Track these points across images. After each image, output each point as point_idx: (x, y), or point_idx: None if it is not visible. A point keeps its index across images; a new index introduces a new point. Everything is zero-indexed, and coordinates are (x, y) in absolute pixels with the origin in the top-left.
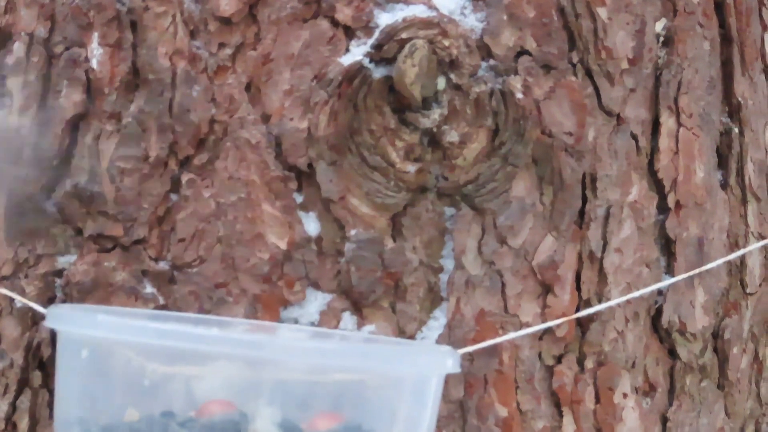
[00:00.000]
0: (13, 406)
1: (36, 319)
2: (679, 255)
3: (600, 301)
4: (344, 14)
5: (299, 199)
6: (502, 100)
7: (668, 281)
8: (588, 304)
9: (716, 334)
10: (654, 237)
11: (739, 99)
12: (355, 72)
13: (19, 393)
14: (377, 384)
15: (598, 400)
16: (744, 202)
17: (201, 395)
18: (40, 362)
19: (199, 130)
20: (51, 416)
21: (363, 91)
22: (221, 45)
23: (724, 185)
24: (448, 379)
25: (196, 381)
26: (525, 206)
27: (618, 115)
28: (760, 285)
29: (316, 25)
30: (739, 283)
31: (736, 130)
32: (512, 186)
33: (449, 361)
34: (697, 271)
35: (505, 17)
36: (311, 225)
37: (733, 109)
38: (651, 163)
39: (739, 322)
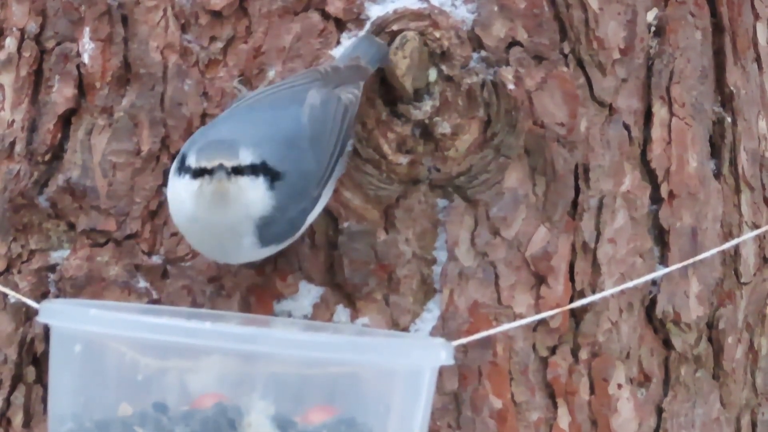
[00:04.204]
0: (8, 402)
1: (29, 314)
2: (673, 245)
3: (594, 292)
4: (335, 7)
5: None
6: (493, 91)
7: (662, 271)
8: (582, 294)
9: (711, 324)
10: (647, 227)
11: (732, 88)
12: None
13: (13, 389)
14: (371, 377)
15: (592, 391)
16: (737, 191)
17: (195, 389)
18: (34, 358)
19: (191, 124)
20: (45, 411)
21: None
22: (212, 38)
23: (718, 175)
24: (442, 371)
25: (189, 375)
26: (518, 197)
27: (610, 105)
28: (755, 274)
29: (307, 18)
30: (733, 272)
31: (729, 119)
32: (505, 177)
33: (443, 353)
34: (691, 261)
35: (495, 8)
36: None
37: (725, 98)
38: (644, 153)
39: (734, 312)
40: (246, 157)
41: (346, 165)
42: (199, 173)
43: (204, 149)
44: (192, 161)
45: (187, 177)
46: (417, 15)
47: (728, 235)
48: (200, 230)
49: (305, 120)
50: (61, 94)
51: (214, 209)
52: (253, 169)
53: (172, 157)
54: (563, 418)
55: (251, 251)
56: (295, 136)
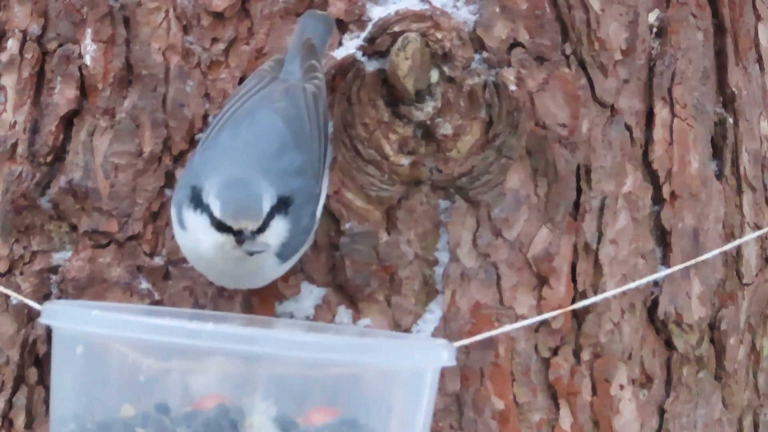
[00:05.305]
0: (10, 403)
1: (32, 315)
2: (675, 246)
3: (596, 293)
4: (337, 8)
5: None
6: (495, 92)
7: (664, 272)
8: (584, 295)
9: (713, 325)
10: (649, 228)
11: (733, 89)
12: (349, 65)
13: (15, 390)
14: (373, 378)
15: (594, 392)
16: (739, 192)
17: (197, 390)
18: (36, 359)
19: (193, 126)
20: (47, 413)
21: (356, 85)
22: (214, 40)
23: (719, 176)
24: (444, 372)
25: (191, 376)
26: (519, 198)
27: (612, 107)
28: (757, 275)
29: None
30: (735, 273)
31: (731, 120)
32: (506, 178)
33: (445, 354)
34: (692, 261)
35: (497, 9)
36: None
37: (727, 99)
38: (645, 154)
39: (736, 313)
40: (266, 206)
41: (333, 152)
42: (223, 228)
43: (228, 206)
44: (216, 212)
45: (208, 223)
46: (419, 16)
47: (730, 236)
48: (219, 272)
49: (281, 124)
50: (63, 95)
51: (240, 263)
52: (272, 213)
53: (174, 159)
54: (565, 419)
55: (273, 273)
56: (282, 145)
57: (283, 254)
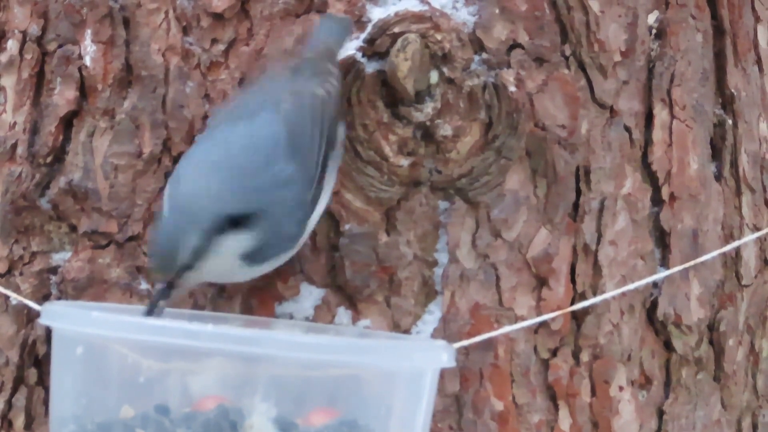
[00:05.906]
0: (9, 404)
1: (31, 316)
2: (674, 247)
3: (595, 294)
4: (336, 9)
5: None
6: (495, 93)
7: (663, 273)
8: (583, 297)
9: (712, 327)
10: (648, 229)
11: (732, 90)
12: (348, 66)
13: (14, 391)
14: (372, 379)
15: (594, 393)
16: (738, 193)
17: (196, 391)
18: (35, 360)
19: (193, 126)
20: (47, 413)
21: (356, 86)
22: (214, 41)
23: (718, 177)
24: (444, 373)
25: (191, 377)
26: (519, 199)
27: (611, 108)
28: (756, 277)
29: (309, 20)
30: (734, 275)
31: (730, 121)
32: (506, 179)
33: (444, 355)
34: (692, 263)
35: (497, 10)
36: None
37: (726, 100)
38: (645, 156)
39: (735, 314)
40: (181, 259)
41: (342, 156)
42: None
43: (150, 253)
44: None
45: None
46: (418, 17)
47: (729, 238)
48: None
49: (281, 128)
50: (62, 96)
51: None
52: (196, 255)
53: (174, 160)
54: (564, 420)
55: (244, 276)
56: (272, 153)
57: (254, 258)
